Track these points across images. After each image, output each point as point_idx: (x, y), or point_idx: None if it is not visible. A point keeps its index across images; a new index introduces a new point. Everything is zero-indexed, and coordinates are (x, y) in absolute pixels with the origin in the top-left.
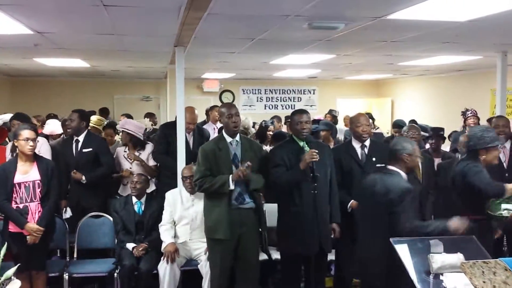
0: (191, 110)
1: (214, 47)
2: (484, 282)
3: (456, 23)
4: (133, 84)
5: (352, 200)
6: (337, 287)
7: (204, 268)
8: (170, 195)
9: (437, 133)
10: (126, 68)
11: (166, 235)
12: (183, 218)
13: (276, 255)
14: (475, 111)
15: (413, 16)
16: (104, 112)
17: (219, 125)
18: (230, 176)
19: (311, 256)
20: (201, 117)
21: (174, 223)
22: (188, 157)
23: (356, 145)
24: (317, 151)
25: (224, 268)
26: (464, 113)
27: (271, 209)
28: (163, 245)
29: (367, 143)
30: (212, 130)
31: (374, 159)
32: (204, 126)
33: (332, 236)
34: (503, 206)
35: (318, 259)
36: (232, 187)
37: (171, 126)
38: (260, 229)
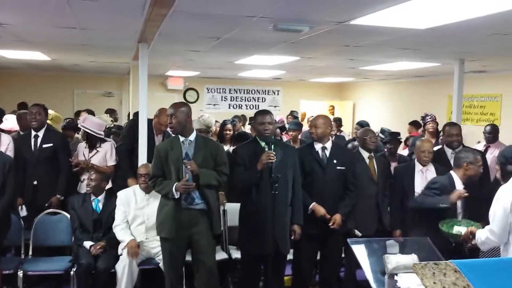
0: (166, 112)
1: (179, 44)
2: (434, 283)
3: (416, 31)
4: (95, 79)
5: (314, 203)
6: (295, 286)
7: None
8: (122, 195)
9: (394, 138)
10: (88, 63)
11: (123, 234)
12: (137, 218)
13: (236, 254)
14: (434, 116)
15: (375, 23)
16: (113, 112)
17: None
18: (174, 185)
19: (269, 256)
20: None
21: (128, 222)
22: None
23: (318, 147)
24: (274, 152)
25: (174, 266)
26: (423, 118)
27: (232, 208)
28: (122, 244)
29: (328, 145)
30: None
31: (335, 161)
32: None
33: (292, 237)
34: (455, 228)
35: (276, 259)
36: (176, 196)
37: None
38: (212, 230)
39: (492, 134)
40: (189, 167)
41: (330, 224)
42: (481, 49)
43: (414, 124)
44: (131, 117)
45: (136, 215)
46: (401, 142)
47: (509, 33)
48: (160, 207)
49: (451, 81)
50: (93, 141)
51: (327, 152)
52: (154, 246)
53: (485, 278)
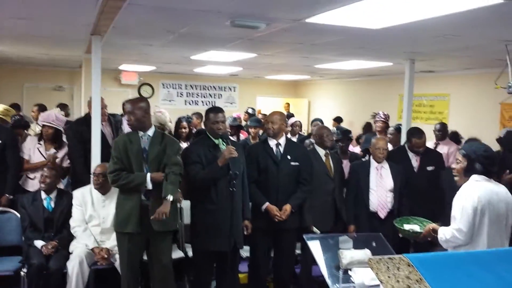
0: None
1: (134, 38)
2: (389, 277)
3: (369, 31)
4: (45, 73)
5: (268, 203)
6: (250, 283)
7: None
8: (79, 194)
9: (346, 136)
10: (38, 55)
11: (85, 237)
12: (93, 219)
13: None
14: (386, 115)
15: (330, 21)
16: (65, 107)
17: None
18: (148, 174)
19: (225, 253)
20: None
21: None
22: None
23: (272, 143)
24: (235, 148)
25: (131, 264)
26: (373, 116)
27: (188, 206)
28: (82, 247)
29: (282, 141)
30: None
31: (289, 157)
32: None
33: (245, 232)
34: (406, 226)
35: (232, 256)
36: (150, 187)
37: (83, 123)
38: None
39: (442, 132)
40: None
41: (279, 215)
42: (430, 50)
43: (337, 120)
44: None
45: (92, 216)
46: (352, 139)
47: (457, 35)
48: (121, 203)
49: (402, 80)
50: (60, 138)
51: (281, 148)
52: (108, 246)
53: (437, 271)
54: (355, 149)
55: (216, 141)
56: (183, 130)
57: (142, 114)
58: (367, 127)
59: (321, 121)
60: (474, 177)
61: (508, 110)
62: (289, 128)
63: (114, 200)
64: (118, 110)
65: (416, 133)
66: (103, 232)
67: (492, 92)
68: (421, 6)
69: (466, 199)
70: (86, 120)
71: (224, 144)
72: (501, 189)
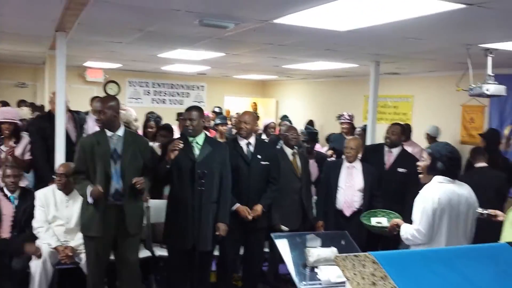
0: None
1: (100, 35)
2: (354, 274)
3: (335, 32)
4: (7, 69)
5: (239, 205)
6: (219, 281)
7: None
8: (41, 194)
9: (312, 137)
10: (0, 51)
11: (47, 236)
12: (57, 219)
13: (159, 252)
14: (351, 116)
15: (297, 22)
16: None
17: None
18: (89, 190)
19: (195, 251)
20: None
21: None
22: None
23: (242, 142)
24: (181, 141)
25: (99, 265)
26: (338, 118)
27: (156, 205)
28: (46, 247)
29: (253, 141)
30: (93, 122)
31: (259, 156)
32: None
33: (217, 233)
34: (372, 220)
35: (202, 255)
36: (90, 201)
37: (46, 119)
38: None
39: (405, 133)
40: (139, 186)
41: (251, 214)
42: (395, 53)
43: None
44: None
45: (56, 217)
46: (318, 141)
47: (421, 38)
48: (84, 206)
49: (367, 82)
50: (18, 132)
51: (252, 148)
52: (74, 246)
53: (401, 268)
54: (324, 148)
55: (190, 139)
56: (150, 130)
57: (112, 113)
58: None
59: (289, 120)
60: (437, 178)
61: (469, 112)
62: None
63: (78, 200)
64: (83, 108)
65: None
66: (67, 232)
67: (454, 94)
68: (386, 9)
69: (426, 200)
70: (49, 117)
71: (198, 143)
72: (464, 190)
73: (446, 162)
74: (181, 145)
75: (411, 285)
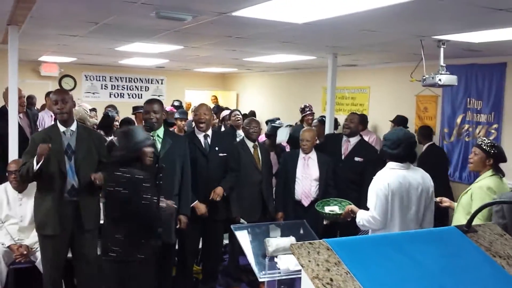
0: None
1: (54, 28)
2: (309, 261)
3: (293, 25)
4: None
5: (196, 201)
6: (179, 274)
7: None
8: None
9: (274, 131)
10: None
11: (0, 236)
12: (10, 218)
13: None
14: (311, 107)
15: (255, 15)
16: None
17: None
18: (35, 157)
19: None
20: (39, 104)
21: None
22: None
23: (199, 134)
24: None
25: (56, 262)
26: (303, 110)
27: None
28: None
29: (210, 133)
30: (49, 118)
31: (217, 148)
32: (41, 113)
33: (178, 226)
34: (326, 208)
35: (164, 249)
36: (36, 167)
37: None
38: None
39: (362, 123)
40: (98, 182)
41: (210, 197)
42: (351, 45)
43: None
44: None
45: (9, 216)
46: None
47: (375, 30)
48: (38, 203)
49: (325, 74)
50: None
51: (209, 140)
52: (28, 244)
53: (354, 253)
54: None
55: (151, 133)
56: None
57: (71, 104)
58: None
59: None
60: (389, 165)
61: (423, 102)
62: (216, 120)
63: (31, 198)
64: (38, 102)
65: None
66: (21, 230)
67: (409, 84)
68: (342, 2)
69: (378, 186)
70: (1, 113)
71: (159, 137)
72: (416, 175)
73: (392, 147)
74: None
75: (363, 270)
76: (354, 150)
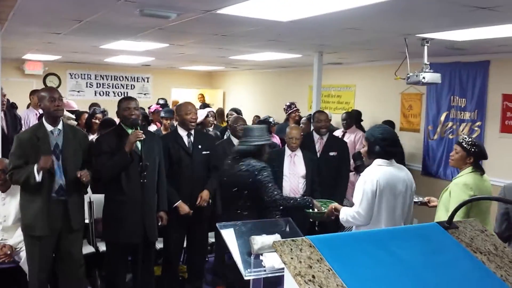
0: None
1: (37, 26)
2: (291, 258)
3: (278, 23)
4: None
5: (180, 201)
6: (164, 274)
7: (27, 265)
8: None
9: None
10: None
11: None
12: None
13: (103, 247)
14: (296, 104)
15: (240, 13)
16: None
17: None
18: (35, 166)
19: (138, 246)
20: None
21: None
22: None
23: (183, 133)
24: (142, 131)
25: (43, 264)
26: (289, 107)
27: (99, 200)
28: None
29: (192, 131)
30: (34, 116)
31: (200, 146)
32: (26, 111)
33: (160, 223)
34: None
35: (146, 249)
36: (38, 179)
37: None
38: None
39: (347, 121)
40: (84, 178)
41: (197, 202)
42: (336, 43)
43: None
44: None
45: None
46: (272, 131)
47: (360, 29)
48: (25, 204)
49: (311, 72)
50: None
51: (192, 138)
52: (12, 244)
53: (336, 250)
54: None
55: (129, 131)
56: (98, 121)
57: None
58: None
59: (238, 111)
60: (377, 161)
61: (408, 100)
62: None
63: (15, 197)
64: (23, 101)
65: (318, 111)
66: (4, 230)
67: (394, 82)
68: (326, 0)
69: (366, 183)
70: None
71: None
72: (402, 172)
73: (381, 143)
74: (143, 136)
75: (345, 266)
76: (327, 145)
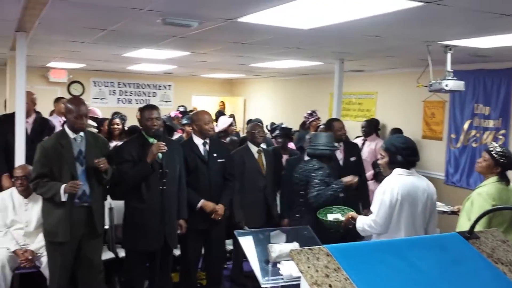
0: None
1: (62, 35)
2: (308, 267)
3: (299, 31)
4: None
5: (202, 200)
6: (182, 281)
7: (47, 270)
8: None
9: (285, 133)
10: None
11: (6, 241)
12: (16, 223)
13: (123, 253)
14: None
15: (262, 21)
16: None
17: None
18: (62, 186)
19: (156, 253)
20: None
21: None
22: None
23: (198, 142)
24: (164, 143)
25: (64, 269)
26: (311, 115)
27: (119, 207)
28: (4, 251)
29: (208, 140)
30: (58, 123)
31: (215, 154)
32: (50, 118)
33: (179, 231)
34: (329, 216)
35: (164, 255)
36: (64, 199)
37: (8, 120)
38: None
39: (367, 129)
40: (102, 165)
41: (212, 216)
42: (358, 50)
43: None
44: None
45: (15, 221)
46: (292, 137)
47: (382, 36)
48: (48, 210)
49: (332, 79)
50: None
51: (208, 147)
52: (32, 249)
53: (353, 260)
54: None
55: (150, 140)
56: (116, 127)
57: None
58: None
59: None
60: (397, 171)
61: (431, 107)
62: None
63: (38, 203)
64: (47, 108)
65: (334, 119)
66: (26, 235)
67: (416, 90)
68: (348, 8)
69: (385, 192)
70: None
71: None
72: (422, 182)
73: (403, 153)
74: (164, 148)
75: (363, 276)
76: (346, 151)
